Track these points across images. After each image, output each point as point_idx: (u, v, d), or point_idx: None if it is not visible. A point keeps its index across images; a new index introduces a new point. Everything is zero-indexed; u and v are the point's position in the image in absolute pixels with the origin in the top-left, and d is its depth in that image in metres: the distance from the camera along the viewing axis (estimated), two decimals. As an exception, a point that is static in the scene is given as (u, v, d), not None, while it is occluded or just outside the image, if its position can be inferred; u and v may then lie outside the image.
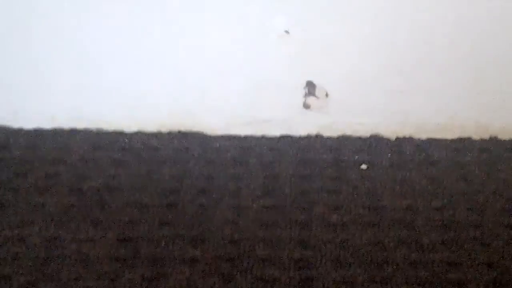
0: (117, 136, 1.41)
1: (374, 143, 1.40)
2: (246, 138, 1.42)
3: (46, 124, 1.43)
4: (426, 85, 1.39)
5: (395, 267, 1.08)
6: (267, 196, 1.24)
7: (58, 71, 1.40)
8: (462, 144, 1.39)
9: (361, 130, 1.42)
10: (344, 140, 1.41)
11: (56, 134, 1.42)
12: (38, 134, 1.41)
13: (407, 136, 1.42)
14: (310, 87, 1.40)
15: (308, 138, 1.42)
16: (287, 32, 1.35)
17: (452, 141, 1.41)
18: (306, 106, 1.42)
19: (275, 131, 1.43)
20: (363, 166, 1.33)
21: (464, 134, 1.42)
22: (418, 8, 1.32)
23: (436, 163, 1.34)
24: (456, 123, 1.42)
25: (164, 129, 1.43)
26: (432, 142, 1.40)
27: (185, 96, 1.41)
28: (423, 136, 1.42)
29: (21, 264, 1.08)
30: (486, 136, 1.42)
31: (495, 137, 1.41)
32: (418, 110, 1.41)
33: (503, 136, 1.42)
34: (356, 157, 1.36)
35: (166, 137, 1.41)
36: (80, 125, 1.43)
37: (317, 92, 1.40)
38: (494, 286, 1.04)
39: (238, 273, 1.06)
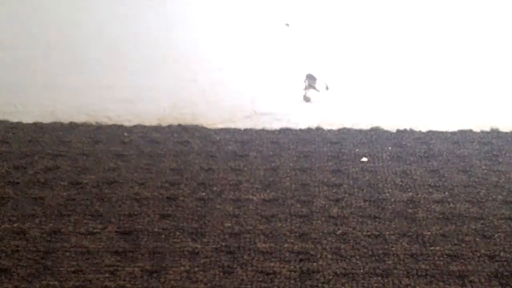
0: (117, 129, 1.41)
1: (375, 135, 1.40)
2: (246, 131, 1.42)
3: (46, 118, 1.43)
4: (426, 78, 1.39)
5: (396, 259, 1.08)
6: (267, 189, 1.24)
7: (58, 66, 1.39)
8: (463, 137, 1.39)
9: (361, 123, 1.42)
10: (344, 133, 1.41)
11: (56, 128, 1.42)
12: (37, 128, 1.41)
13: (408, 128, 1.42)
14: (311, 80, 1.40)
15: (308, 131, 1.42)
16: (287, 25, 1.34)
17: (453, 133, 1.41)
18: (307, 99, 1.41)
19: (275, 124, 1.43)
20: (364, 159, 1.33)
21: (465, 126, 1.42)
22: (418, 1, 1.31)
23: (437, 155, 1.34)
24: (457, 116, 1.41)
25: (164, 122, 1.43)
26: (432, 135, 1.40)
27: (185, 89, 1.41)
28: (424, 128, 1.42)
29: (21, 257, 1.07)
30: (487, 128, 1.42)
31: (496, 129, 1.41)
32: (419, 102, 1.41)
33: (504, 128, 1.41)
34: (357, 150, 1.36)
35: (166, 130, 1.41)
36: (80, 119, 1.43)
37: (317, 85, 1.40)
38: (496, 278, 1.04)
39: (239, 266, 1.06)
